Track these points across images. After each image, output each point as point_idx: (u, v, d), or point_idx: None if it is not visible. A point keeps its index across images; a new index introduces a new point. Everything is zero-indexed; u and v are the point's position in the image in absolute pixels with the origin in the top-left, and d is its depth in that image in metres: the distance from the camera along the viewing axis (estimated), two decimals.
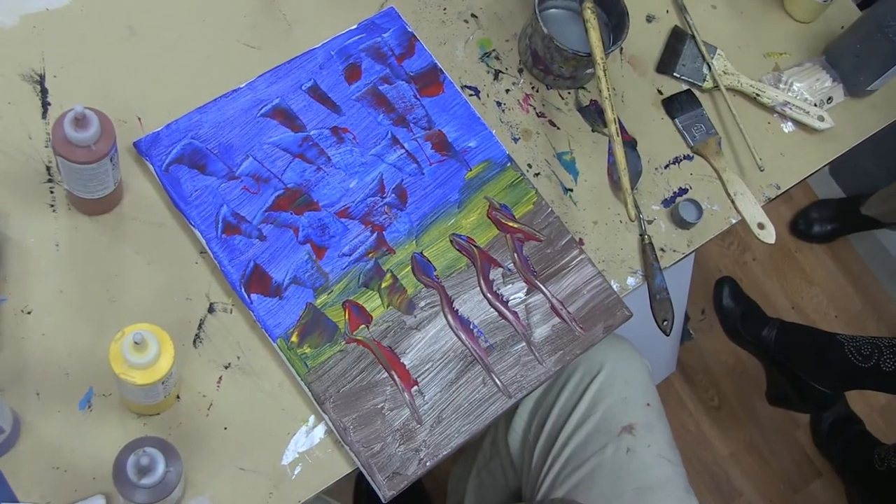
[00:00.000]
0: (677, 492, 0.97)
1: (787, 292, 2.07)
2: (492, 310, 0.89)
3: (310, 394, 0.82)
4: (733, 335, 1.74)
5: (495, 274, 0.91)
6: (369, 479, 0.80)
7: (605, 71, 0.94)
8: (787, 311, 2.04)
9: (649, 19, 1.11)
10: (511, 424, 1.10)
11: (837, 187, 2.16)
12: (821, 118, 1.09)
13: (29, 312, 0.80)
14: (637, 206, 0.98)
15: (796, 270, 2.10)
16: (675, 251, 1.00)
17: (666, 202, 1.02)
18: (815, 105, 1.11)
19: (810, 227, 2.10)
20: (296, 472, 0.80)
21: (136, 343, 0.69)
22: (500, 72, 1.02)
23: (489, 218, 0.93)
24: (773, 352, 1.62)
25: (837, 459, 1.87)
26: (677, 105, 1.06)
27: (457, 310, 0.88)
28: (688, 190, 1.03)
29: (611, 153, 1.00)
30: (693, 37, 1.10)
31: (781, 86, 1.11)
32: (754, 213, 1.03)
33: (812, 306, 2.07)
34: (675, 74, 1.08)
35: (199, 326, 0.83)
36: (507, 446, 1.11)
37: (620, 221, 0.99)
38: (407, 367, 0.85)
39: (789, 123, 1.11)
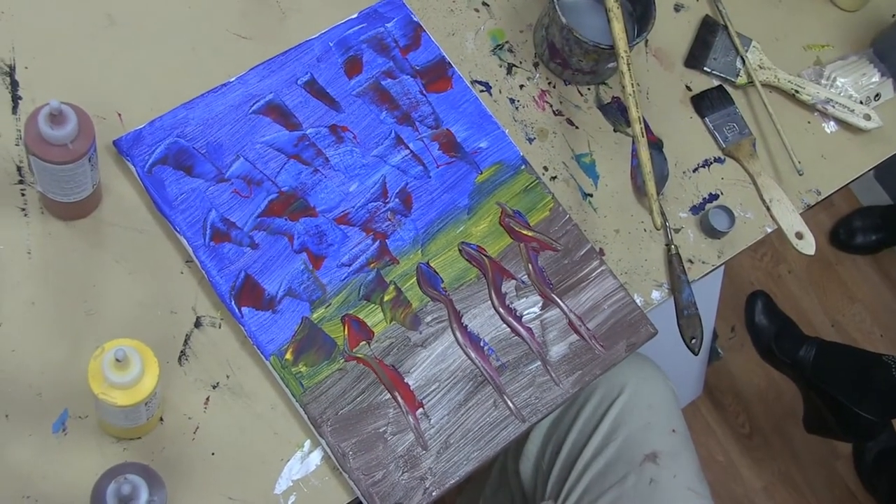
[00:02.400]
0: None
1: (827, 308, 2.06)
2: (504, 325, 0.90)
3: (305, 416, 0.83)
4: (767, 355, 1.74)
5: (508, 286, 0.91)
6: None
7: (628, 65, 0.95)
8: (827, 330, 2.04)
9: (677, 8, 1.12)
10: (523, 451, 1.10)
11: (884, 193, 2.15)
12: (867, 117, 1.10)
13: None
14: (663, 214, 0.98)
15: (837, 284, 2.10)
16: (704, 263, 1.00)
17: (695, 209, 1.03)
18: (861, 103, 1.12)
19: (853, 236, 2.10)
20: (290, 502, 0.81)
21: (117, 360, 0.69)
22: (514, 66, 1.03)
23: (501, 225, 0.94)
24: (811, 374, 1.62)
25: (884, 495, 1.86)
26: (708, 102, 1.07)
27: (466, 325, 0.89)
28: (719, 196, 1.04)
29: (634, 155, 1.01)
30: (726, 27, 1.10)
31: (823, 81, 1.12)
32: (792, 221, 1.03)
33: (854, 324, 2.07)
34: (705, 69, 1.08)
35: (185, 342, 0.84)
36: (517, 475, 1.11)
37: (645, 230, 1.00)
38: (411, 387, 0.86)
39: (832, 123, 1.11)
